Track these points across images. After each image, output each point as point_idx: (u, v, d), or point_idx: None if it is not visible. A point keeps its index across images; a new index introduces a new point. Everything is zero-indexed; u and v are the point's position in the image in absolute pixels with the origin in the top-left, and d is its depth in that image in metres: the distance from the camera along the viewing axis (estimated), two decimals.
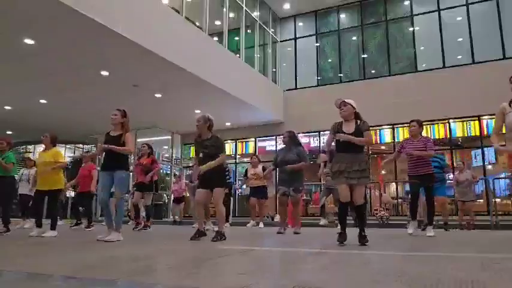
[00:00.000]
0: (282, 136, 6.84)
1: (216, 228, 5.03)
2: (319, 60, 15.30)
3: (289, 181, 6.31)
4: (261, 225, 8.84)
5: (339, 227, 5.03)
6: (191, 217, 10.35)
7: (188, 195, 10.30)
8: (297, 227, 6.52)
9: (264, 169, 8.73)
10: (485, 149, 12.40)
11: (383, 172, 13.88)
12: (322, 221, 8.84)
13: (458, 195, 8.61)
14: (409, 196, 8.65)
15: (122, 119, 5.18)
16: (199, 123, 5.08)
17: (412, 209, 6.00)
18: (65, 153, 20.89)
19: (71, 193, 11.89)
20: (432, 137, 12.73)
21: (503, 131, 4.05)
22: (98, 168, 7.76)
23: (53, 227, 5.82)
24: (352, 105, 4.36)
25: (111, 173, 4.99)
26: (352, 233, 4.35)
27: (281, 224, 6.66)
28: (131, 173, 8.80)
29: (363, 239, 4.12)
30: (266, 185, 8.83)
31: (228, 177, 4.85)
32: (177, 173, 16.09)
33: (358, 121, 4.35)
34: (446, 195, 7.24)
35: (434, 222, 6.18)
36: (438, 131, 12.87)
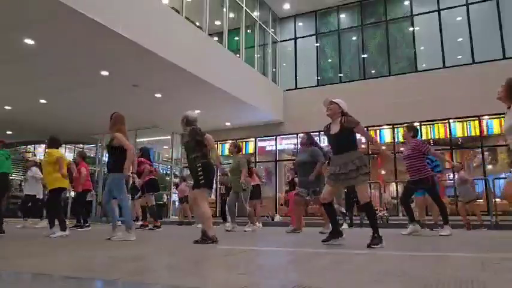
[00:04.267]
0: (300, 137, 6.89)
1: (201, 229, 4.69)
2: (319, 60, 15.30)
3: (307, 183, 6.31)
4: (250, 228, 8.70)
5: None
6: (193, 217, 10.35)
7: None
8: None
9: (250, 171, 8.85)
10: (485, 149, 12.41)
11: (383, 172, 13.89)
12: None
13: (459, 196, 8.63)
14: None
15: (112, 125, 5.30)
16: (181, 122, 4.87)
17: (407, 212, 6.06)
18: (65, 153, 20.89)
19: (70, 193, 11.89)
20: (432, 137, 12.77)
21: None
22: (95, 167, 7.71)
23: (53, 225, 5.82)
24: (338, 105, 4.21)
25: (109, 175, 5.27)
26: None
27: (292, 224, 6.75)
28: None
29: (371, 242, 3.84)
30: (260, 184, 8.90)
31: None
32: (177, 173, 16.10)
33: (343, 118, 4.15)
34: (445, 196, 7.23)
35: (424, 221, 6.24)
36: (438, 131, 12.86)
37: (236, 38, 13.86)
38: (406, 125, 6.12)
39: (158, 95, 11.74)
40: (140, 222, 8.45)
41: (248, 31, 14.27)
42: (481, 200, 11.45)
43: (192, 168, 4.58)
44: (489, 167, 12.49)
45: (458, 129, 12.73)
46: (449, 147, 12.78)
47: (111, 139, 5.20)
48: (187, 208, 11.09)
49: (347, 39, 15.17)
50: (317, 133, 14.19)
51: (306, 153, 6.49)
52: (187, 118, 4.77)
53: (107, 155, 5.50)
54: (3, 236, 5.85)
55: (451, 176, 11.56)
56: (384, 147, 13.68)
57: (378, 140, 13.39)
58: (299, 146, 6.98)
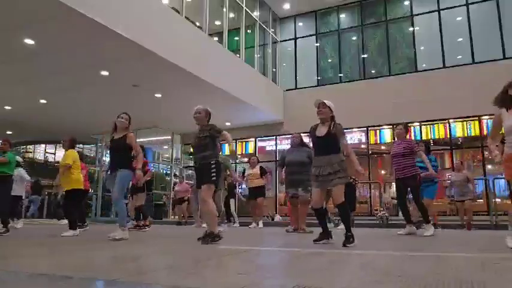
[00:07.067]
0: (291, 136, 7.07)
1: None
2: (319, 60, 15.29)
3: (298, 182, 6.36)
4: (261, 224, 8.87)
5: (341, 226, 5.02)
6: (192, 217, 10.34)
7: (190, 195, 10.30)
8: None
9: (261, 170, 8.82)
10: (485, 148, 12.40)
11: (383, 172, 13.87)
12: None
13: (456, 196, 8.67)
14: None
15: (128, 125, 5.35)
16: (200, 115, 4.67)
17: (403, 212, 6.07)
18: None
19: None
20: (432, 137, 12.76)
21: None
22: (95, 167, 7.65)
23: (71, 226, 5.89)
24: (330, 108, 4.26)
25: (116, 173, 5.14)
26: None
27: (292, 224, 6.80)
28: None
29: (346, 240, 3.99)
30: (264, 185, 8.91)
31: (213, 173, 4.41)
32: (177, 173, 16.09)
33: (332, 124, 4.24)
34: (432, 198, 7.17)
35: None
36: (438, 131, 12.85)
37: (236, 38, 13.86)
38: (401, 124, 6.16)
39: (158, 95, 11.74)
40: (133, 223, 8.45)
41: (248, 31, 14.27)
42: (481, 200, 11.48)
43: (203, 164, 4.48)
44: (489, 167, 12.49)
45: (458, 129, 12.73)
46: (449, 147, 12.78)
47: (123, 136, 5.20)
48: (185, 209, 11.11)
49: (347, 39, 15.17)
50: None
51: (304, 153, 6.49)
52: (210, 113, 4.69)
53: (110, 152, 5.40)
54: (3, 236, 5.86)
55: (451, 176, 11.56)
56: (383, 147, 13.70)
57: (378, 141, 13.41)
58: (291, 145, 7.04)
